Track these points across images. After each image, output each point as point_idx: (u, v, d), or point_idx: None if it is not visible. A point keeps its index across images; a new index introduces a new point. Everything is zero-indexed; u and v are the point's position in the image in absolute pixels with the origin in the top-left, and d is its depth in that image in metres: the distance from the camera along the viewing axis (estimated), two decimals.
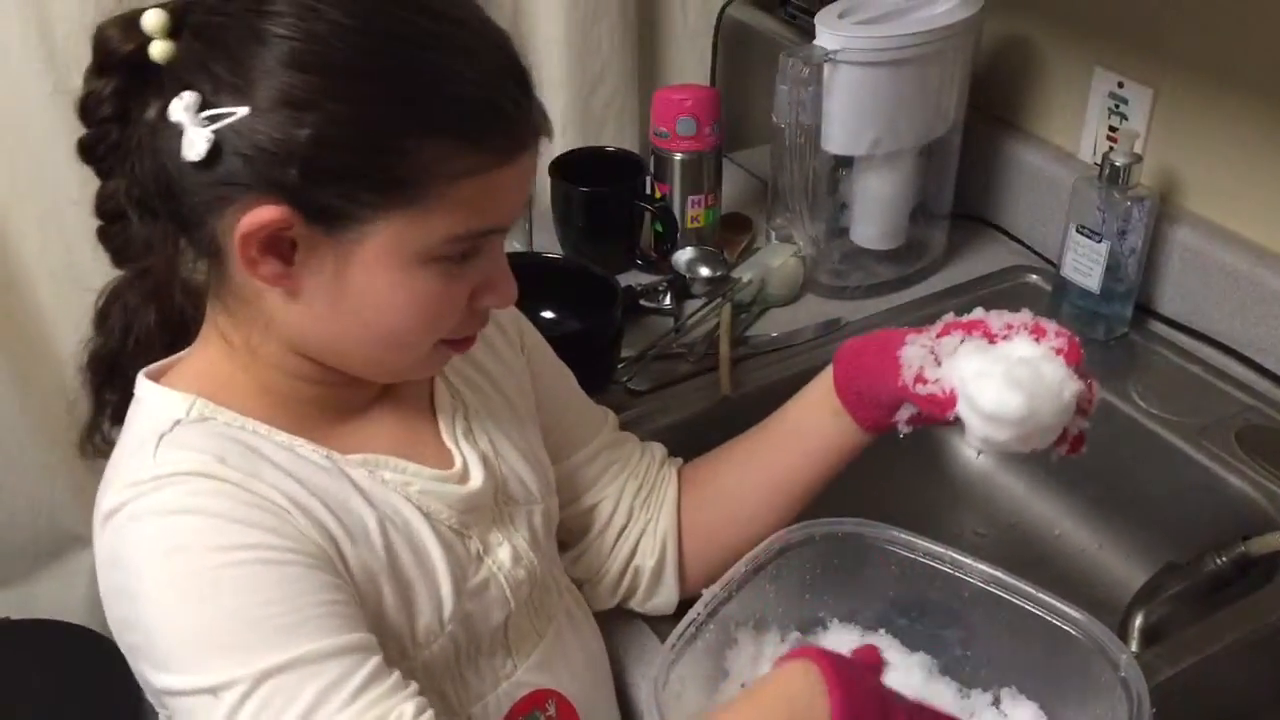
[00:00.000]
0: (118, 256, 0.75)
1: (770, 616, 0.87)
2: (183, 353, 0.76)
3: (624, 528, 0.94)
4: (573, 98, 1.48)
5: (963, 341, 0.81)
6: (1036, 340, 0.80)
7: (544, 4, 1.42)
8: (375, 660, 0.67)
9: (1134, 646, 0.99)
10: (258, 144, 0.64)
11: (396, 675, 0.68)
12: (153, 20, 0.66)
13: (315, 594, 0.67)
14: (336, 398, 0.76)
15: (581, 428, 0.94)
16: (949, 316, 0.84)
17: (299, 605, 0.66)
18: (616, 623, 0.97)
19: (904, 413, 0.83)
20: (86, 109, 0.70)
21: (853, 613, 0.89)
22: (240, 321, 0.73)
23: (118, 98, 0.69)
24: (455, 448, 0.81)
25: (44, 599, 1.38)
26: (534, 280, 1.09)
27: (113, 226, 0.74)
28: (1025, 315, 0.82)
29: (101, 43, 0.69)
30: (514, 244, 1.35)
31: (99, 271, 0.77)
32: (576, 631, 0.89)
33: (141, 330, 0.76)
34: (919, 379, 0.81)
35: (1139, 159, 1.16)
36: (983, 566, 0.81)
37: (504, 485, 0.82)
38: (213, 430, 0.71)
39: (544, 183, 1.37)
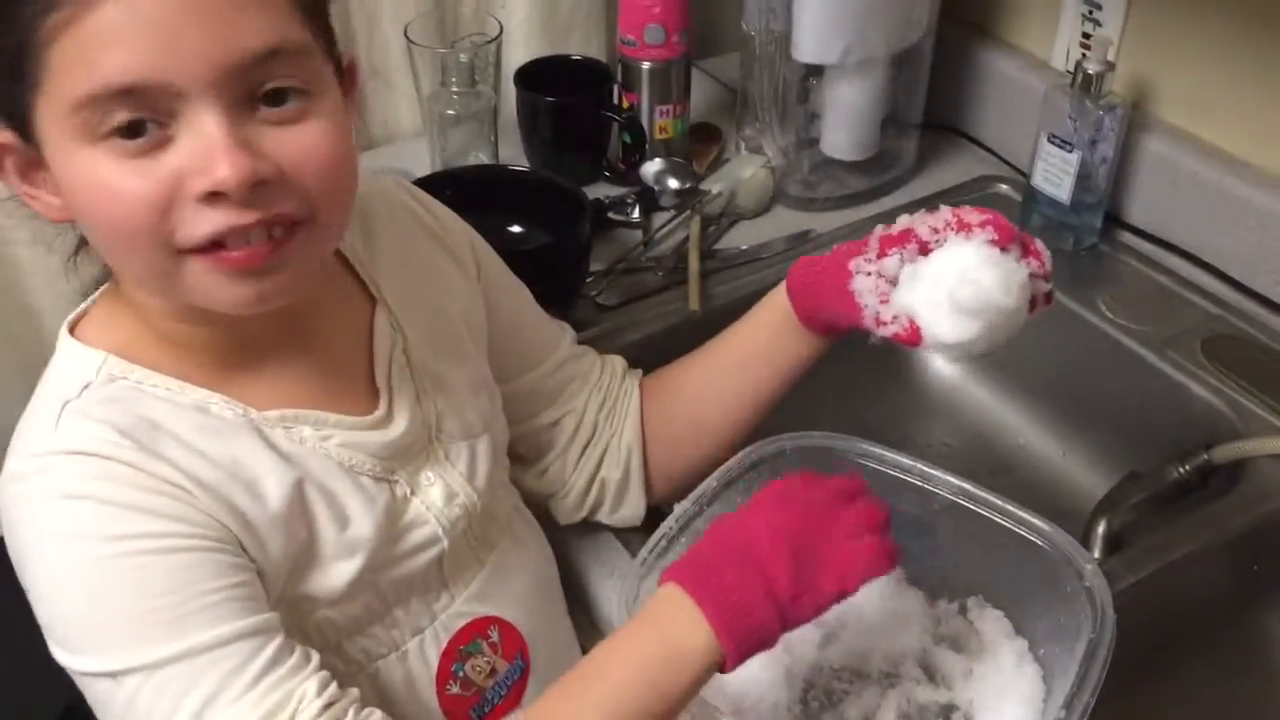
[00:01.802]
0: None
1: None
2: (99, 292, 0.74)
3: (589, 441, 0.94)
4: (537, 5, 1.44)
5: (901, 262, 0.80)
6: (966, 236, 0.79)
7: None
8: (276, 642, 0.67)
9: (1096, 554, 1.00)
10: None
11: (298, 654, 0.68)
12: None
13: (212, 580, 0.66)
14: (237, 340, 0.72)
15: (539, 344, 0.94)
16: (879, 229, 0.83)
17: (194, 594, 0.65)
18: (584, 535, 0.98)
19: (876, 339, 0.83)
20: None
21: None
22: (121, 279, 0.71)
23: None
24: (384, 387, 0.78)
25: None
26: (500, 193, 1.08)
27: None
28: (945, 213, 0.81)
29: None
30: (479, 156, 1.33)
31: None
32: (522, 555, 0.88)
33: None
34: (879, 320, 0.80)
35: (1111, 67, 1.15)
36: (951, 479, 0.82)
37: (438, 422, 0.81)
38: (117, 396, 0.69)
39: (509, 92, 1.35)
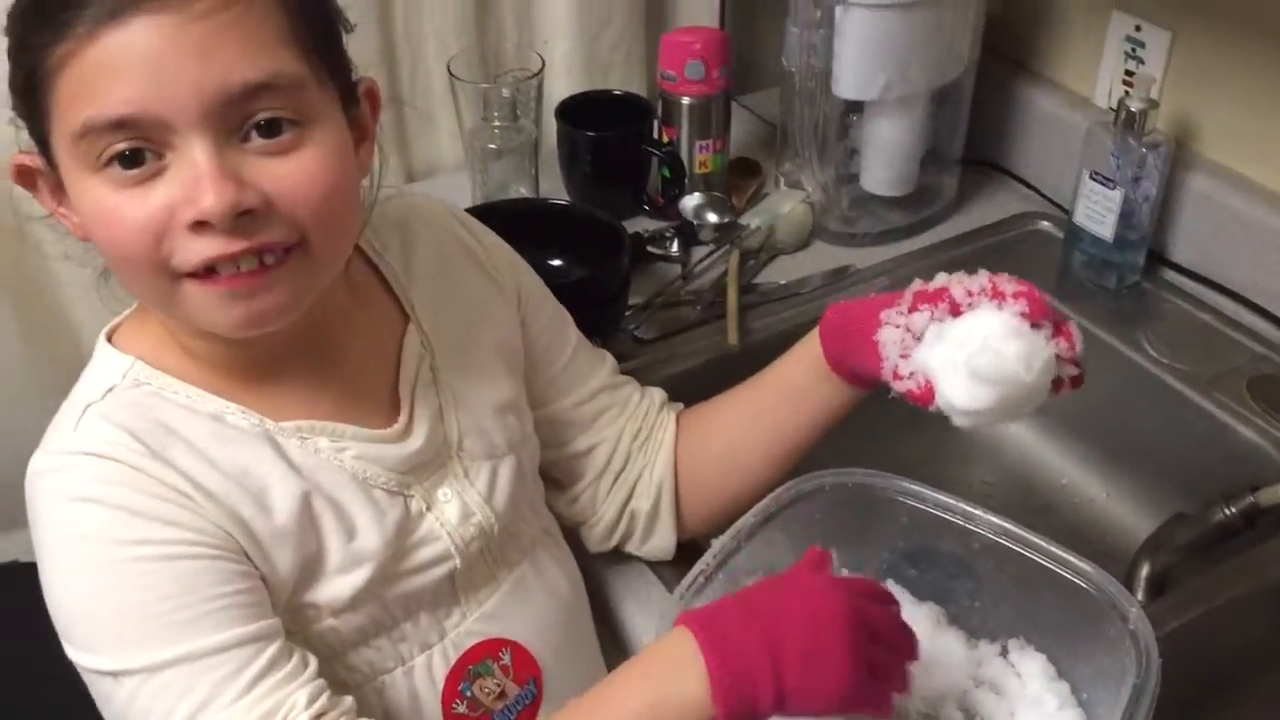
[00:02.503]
0: None
1: (779, 566, 0.86)
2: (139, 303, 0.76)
3: (621, 471, 0.94)
4: (579, 40, 1.45)
5: (930, 319, 0.79)
6: (999, 305, 0.77)
7: None
8: (273, 649, 0.69)
9: (1140, 596, 0.99)
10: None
11: (295, 661, 0.70)
12: None
13: (213, 588, 0.68)
14: (255, 355, 0.73)
15: (577, 372, 0.94)
16: (916, 284, 0.82)
17: (196, 600, 0.67)
18: (617, 565, 0.97)
19: (892, 391, 0.82)
20: None
21: (862, 562, 0.89)
22: None
23: None
24: (407, 401, 0.79)
25: None
26: (540, 226, 1.09)
27: None
28: (982, 277, 0.80)
29: None
30: (519, 189, 1.34)
31: None
32: (544, 580, 0.88)
33: None
34: (896, 375, 0.80)
35: (1155, 104, 1.14)
36: (993, 518, 0.81)
37: (459, 441, 0.81)
38: (137, 400, 0.71)
39: (550, 126, 1.36)
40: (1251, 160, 1.17)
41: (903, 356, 0.79)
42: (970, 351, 0.76)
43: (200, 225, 0.63)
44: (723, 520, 0.82)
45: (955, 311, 0.79)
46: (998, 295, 0.78)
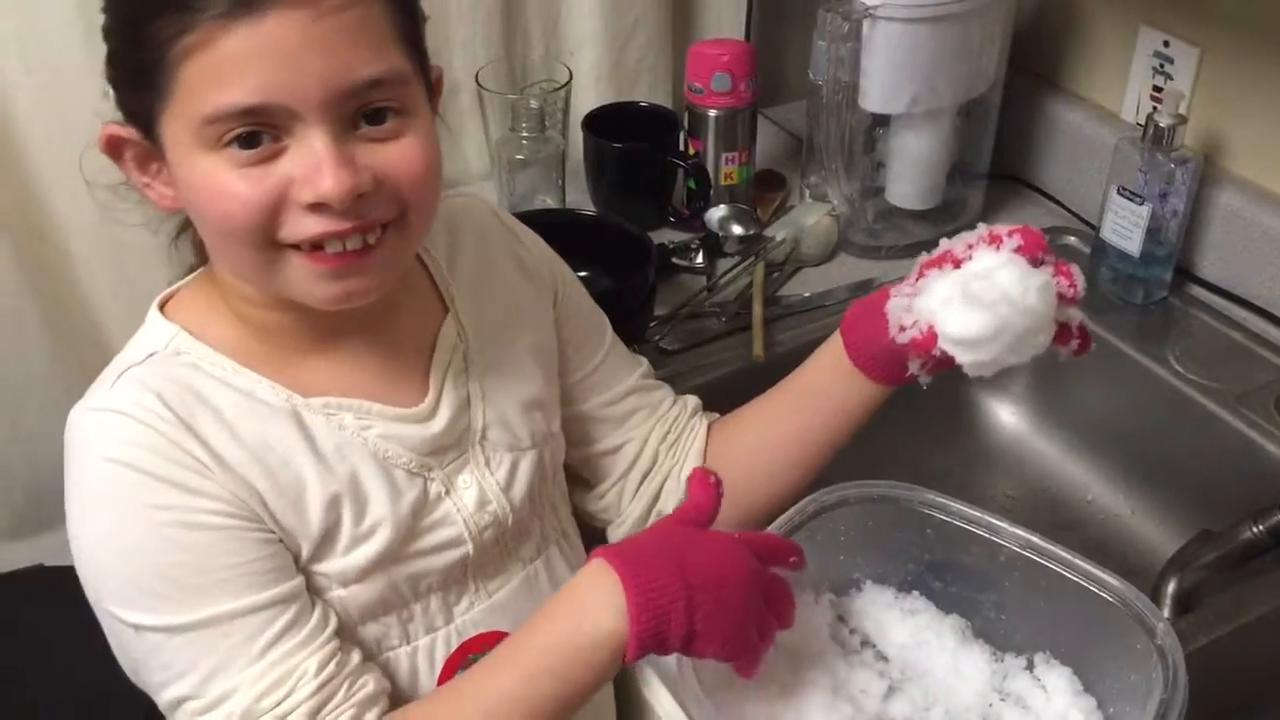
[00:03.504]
0: None
1: (805, 577, 0.87)
2: (194, 274, 0.79)
3: (649, 471, 0.95)
4: (605, 52, 1.46)
5: (935, 278, 0.81)
6: (996, 248, 0.79)
7: None
8: (290, 612, 0.72)
9: (1166, 613, 0.98)
10: (108, 74, 0.70)
11: (314, 621, 0.73)
12: None
13: (232, 555, 0.71)
14: (310, 327, 0.77)
15: (610, 372, 0.95)
16: (922, 257, 0.84)
17: (214, 567, 0.70)
18: None
19: (914, 365, 0.83)
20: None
21: (887, 574, 0.89)
22: (215, 266, 0.77)
23: None
24: (435, 386, 0.81)
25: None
26: (566, 237, 1.09)
27: None
28: (981, 229, 0.81)
29: None
30: (546, 200, 1.34)
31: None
32: (556, 581, 0.88)
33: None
34: (901, 327, 0.81)
35: (1184, 120, 1.14)
36: (1019, 531, 0.81)
37: (484, 430, 0.83)
38: (174, 368, 0.74)
39: (576, 138, 1.36)
40: (1279, 177, 1.17)
41: (906, 312, 0.81)
42: (964, 283, 0.78)
43: (317, 206, 0.67)
44: (750, 527, 0.83)
45: (957, 266, 0.81)
46: (994, 239, 0.80)
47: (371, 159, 0.68)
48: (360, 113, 0.68)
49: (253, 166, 0.66)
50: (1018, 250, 0.79)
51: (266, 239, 0.68)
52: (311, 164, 0.66)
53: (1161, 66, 1.24)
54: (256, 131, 0.66)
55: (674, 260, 1.30)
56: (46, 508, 1.39)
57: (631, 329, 1.16)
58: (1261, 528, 0.97)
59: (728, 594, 0.70)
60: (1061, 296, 0.79)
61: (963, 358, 0.78)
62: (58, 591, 0.76)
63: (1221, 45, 1.18)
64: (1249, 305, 1.20)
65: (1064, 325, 0.80)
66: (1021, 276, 0.77)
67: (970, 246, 0.81)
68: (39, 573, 1.33)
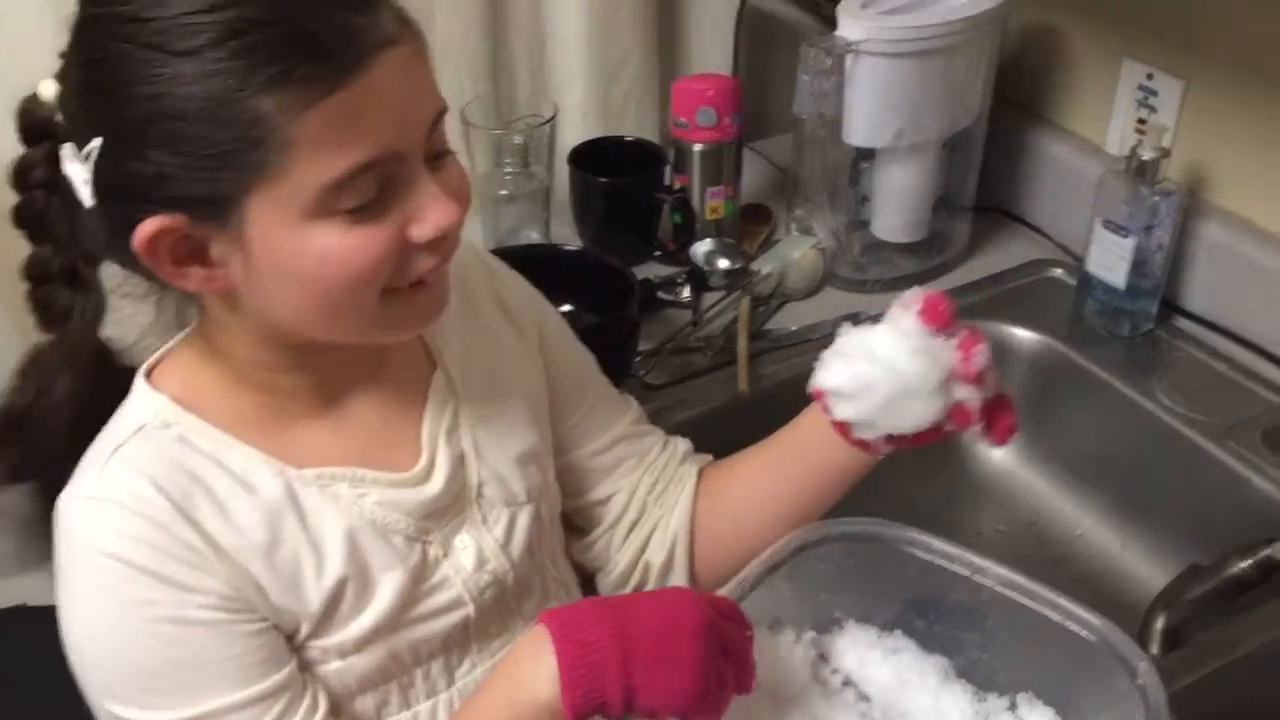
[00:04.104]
0: (44, 320, 0.74)
1: (786, 616, 0.86)
2: (184, 333, 0.77)
3: (635, 521, 0.93)
4: (592, 86, 1.46)
5: None
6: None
7: None
8: (281, 704, 0.71)
9: (1155, 650, 0.97)
10: (121, 165, 0.64)
11: (301, 712, 0.72)
12: (47, 89, 0.68)
13: (223, 650, 0.70)
14: (318, 385, 0.76)
15: (600, 417, 0.93)
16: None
17: (204, 663, 0.69)
18: None
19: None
20: (18, 175, 0.70)
21: (870, 613, 0.88)
22: (213, 331, 0.74)
23: (48, 163, 0.68)
24: (429, 445, 0.80)
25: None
26: (550, 272, 1.09)
27: (38, 290, 0.73)
28: (907, 294, 0.80)
29: (23, 113, 0.69)
30: (531, 235, 1.34)
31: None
32: None
33: (53, 395, 0.73)
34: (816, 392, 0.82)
35: (1167, 153, 1.14)
36: (1001, 570, 0.80)
37: (480, 487, 0.81)
38: (164, 445, 0.71)
39: (562, 172, 1.37)
40: (1265, 209, 1.17)
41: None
42: (842, 338, 0.80)
43: (434, 240, 0.68)
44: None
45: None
46: (908, 306, 0.80)
47: (446, 187, 0.69)
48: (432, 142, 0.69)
49: (362, 220, 0.65)
50: (919, 316, 0.78)
51: (378, 288, 0.68)
52: (422, 202, 0.67)
53: (1145, 99, 1.25)
54: (372, 188, 0.65)
55: (660, 294, 1.30)
56: (30, 549, 1.38)
57: (616, 364, 1.15)
58: (1249, 563, 0.96)
59: (670, 645, 0.67)
60: (955, 374, 0.77)
61: (837, 412, 0.80)
62: (38, 631, 0.75)
63: (1205, 78, 1.19)
64: (1235, 337, 1.19)
65: (960, 405, 0.78)
66: (894, 339, 0.77)
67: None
68: (20, 612, 1.32)
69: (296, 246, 0.65)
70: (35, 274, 0.72)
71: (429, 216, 0.67)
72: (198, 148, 0.62)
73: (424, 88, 0.68)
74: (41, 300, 0.73)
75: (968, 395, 0.78)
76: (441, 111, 0.69)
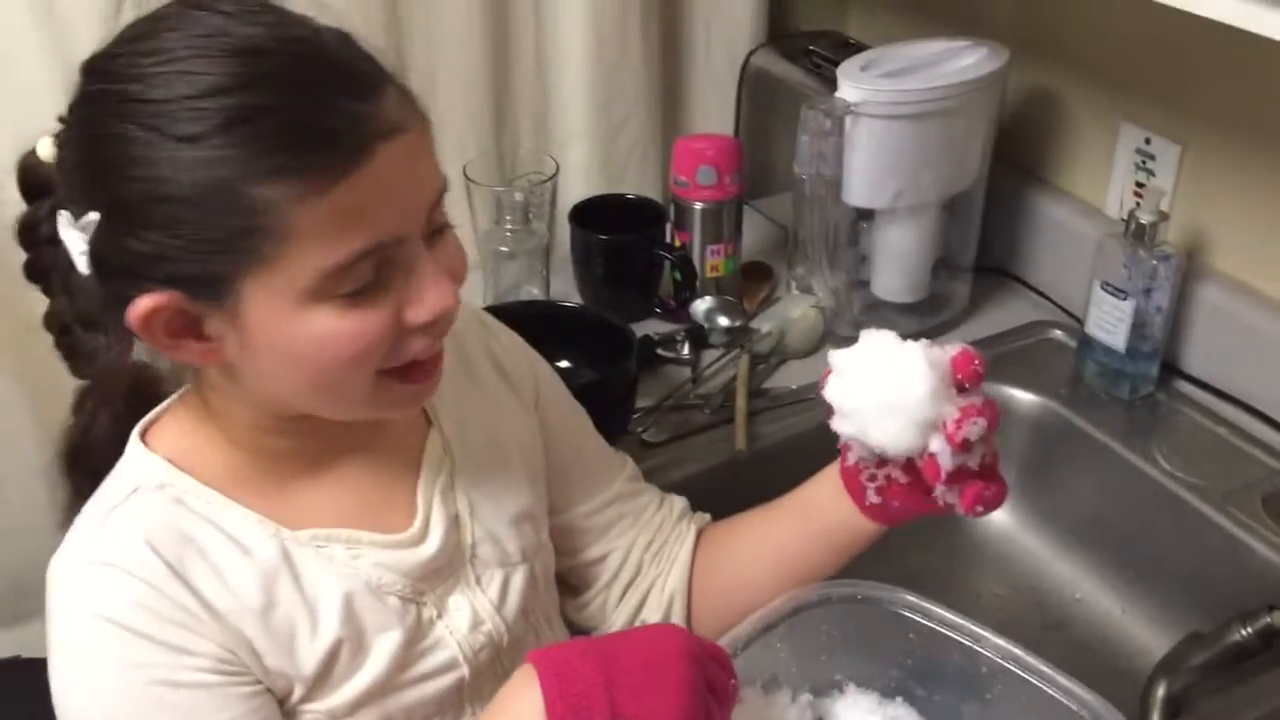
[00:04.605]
0: (73, 366, 0.74)
1: (782, 676, 0.86)
2: (180, 392, 0.77)
3: (631, 581, 0.93)
4: (594, 145, 1.47)
5: None
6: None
7: (567, 50, 1.42)
8: None
9: (1156, 718, 0.96)
10: (117, 241, 0.64)
11: None
12: (45, 149, 0.69)
13: (215, 713, 0.69)
14: (314, 448, 0.76)
15: (595, 476, 0.93)
16: None
17: None
18: None
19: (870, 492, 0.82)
20: (23, 232, 0.71)
21: (870, 677, 0.88)
22: (209, 394, 0.74)
23: (52, 219, 0.68)
24: (424, 506, 0.79)
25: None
26: (549, 329, 1.09)
27: (63, 339, 0.74)
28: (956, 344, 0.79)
29: (24, 169, 0.70)
30: (531, 291, 1.34)
31: None
32: None
33: (97, 431, 0.77)
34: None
35: (1165, 216, 1.15)
36: (1000, 641, 0.79)
37: (474, 548, 0.81)
38: (159, 507, 0.71)
39: (564, 229, 1.37)
40: (1263, 273, 1.17)
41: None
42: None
43: (430, 323, 0.68)
44: None
45: None
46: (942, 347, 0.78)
47: (443, 264, 0.69)
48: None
49: (359, 303, 0.65)
50: (951, 359, 0.76)
51: (372, 369, 0.68)
52: (420, 285, 0.67)
53: (1143, 163, 1.25)
54: (370, 272, 0.65)
55: (659, 351, 1.30)
56: (26, 599, 1.37)
57: (614, 421, 1.15)
58: (1250, 630, 0.95)
59: (658, 673, 0.67)
60: (945, 430, 0.75)
61: (831, 386, 0.78)
62: (33, 683, 0.74)
63: (1203, 142, 1.20)
64: (1235, 401, 1.19)
65: (934, 457, 0.75)
66: (917, 355, 0.75)
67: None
68: (15, 664, 1.31)
69: (292, 329, 0.65)
70: (55, 325, 0.73)
71: (426, 300, 0.67)
72: (196, 231, 0.62)
73: (427, 171, 0.67)
74: (68, 348, 0.73)
75: (941, 451, 0.75)
76: (443, 191, 0.69)
